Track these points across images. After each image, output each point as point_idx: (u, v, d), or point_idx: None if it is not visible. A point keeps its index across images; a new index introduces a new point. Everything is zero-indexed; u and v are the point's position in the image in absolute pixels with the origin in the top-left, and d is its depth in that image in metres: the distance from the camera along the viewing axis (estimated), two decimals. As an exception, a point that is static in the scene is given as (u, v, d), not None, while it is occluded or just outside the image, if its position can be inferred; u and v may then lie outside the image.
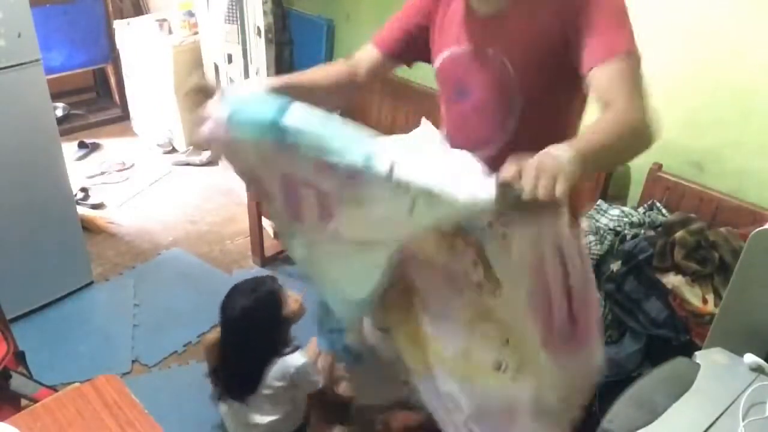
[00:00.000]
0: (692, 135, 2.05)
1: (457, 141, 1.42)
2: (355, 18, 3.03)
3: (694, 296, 1.76)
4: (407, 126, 2.83)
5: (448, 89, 1.42)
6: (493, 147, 1.32)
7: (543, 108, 1.28)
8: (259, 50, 2.84)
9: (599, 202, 2.10)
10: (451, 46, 1.35)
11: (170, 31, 3.82)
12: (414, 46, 1.43)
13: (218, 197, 3.62)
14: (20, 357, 1.78)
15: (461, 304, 1.38)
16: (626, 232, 1.98)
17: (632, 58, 1.14)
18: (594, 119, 1.11)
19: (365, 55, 1.46)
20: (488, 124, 1.33)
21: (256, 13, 2.76)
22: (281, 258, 3.12)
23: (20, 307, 2.56)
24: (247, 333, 1.85)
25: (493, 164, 1.03)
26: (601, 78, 1.13)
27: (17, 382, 1.63)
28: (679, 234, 1.84)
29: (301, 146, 1.14)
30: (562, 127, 1.31)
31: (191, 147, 3.96)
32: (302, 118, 1.14)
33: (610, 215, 2.04)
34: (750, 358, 1.21)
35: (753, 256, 1.26)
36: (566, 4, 1.19)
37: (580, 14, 1.17)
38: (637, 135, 1.09)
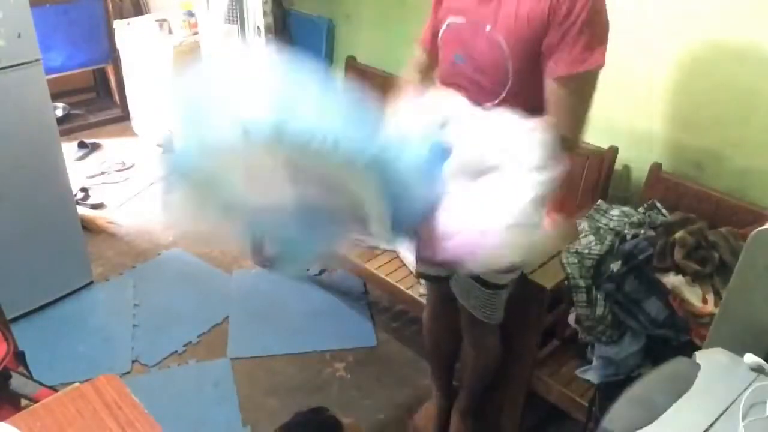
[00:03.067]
0: (692, 135, 2.05)
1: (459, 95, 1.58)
2: (355, 18, 3.03)
3: (694, 296, 1.76)
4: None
5: (450, 54, 1.58)
6: (492, 100, 1.51)
7: (532, 70, 1.45)
8: (259, 50, 2.84)
9: (599, 202, 2.10)
10: (450, 16, 1.54)
11: (170, 31, 3.82)
12: None
13: (218, 197, 3.61)
14: (20, 357, 1.77)
15: None
16: (626, 232, 1.97)
17: (588, 76, 1.39)
18: None
19: (418, 59, 1.73)
20: (487, 83, 1.51)
21: (256, 13, 2.77)
22: (281, 258, 3.12)
23: (20, 307, 2.57)
24: None
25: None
26: (551, 93, 1.42)
27: (17, 382, 1.62)
28: (679, 234, 1.84)
29: None
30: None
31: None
32: None
33: (610, 215, 2.04)
34: (750, 358, 1.21)
35: (753, 256, 1.26)
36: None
37: (564, 17, 1.35)
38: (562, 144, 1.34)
